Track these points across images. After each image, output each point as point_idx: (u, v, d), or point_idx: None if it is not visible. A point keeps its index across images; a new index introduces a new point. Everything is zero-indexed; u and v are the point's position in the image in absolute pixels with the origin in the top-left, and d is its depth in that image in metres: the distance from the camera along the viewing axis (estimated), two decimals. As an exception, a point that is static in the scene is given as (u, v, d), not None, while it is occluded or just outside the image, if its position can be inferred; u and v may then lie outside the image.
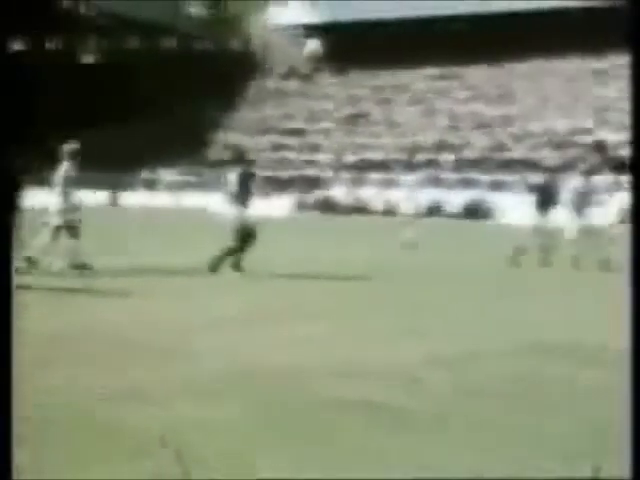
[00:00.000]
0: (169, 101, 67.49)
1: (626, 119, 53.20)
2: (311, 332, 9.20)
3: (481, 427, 5.85)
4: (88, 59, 72.01)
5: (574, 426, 5.92)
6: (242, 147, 46.18)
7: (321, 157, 60.71)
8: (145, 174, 60.19)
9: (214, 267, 14.24)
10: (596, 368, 7.91)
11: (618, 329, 9.15)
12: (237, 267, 14.34)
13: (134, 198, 54.34)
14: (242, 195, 14.55)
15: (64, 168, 14.23)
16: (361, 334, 9.40)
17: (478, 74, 67.16)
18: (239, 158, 16.58)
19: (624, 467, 4.46)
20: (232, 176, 14.59)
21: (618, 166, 48.39)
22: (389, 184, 51.88)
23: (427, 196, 41.89)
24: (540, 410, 6.34)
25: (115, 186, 55.39)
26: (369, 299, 12.56)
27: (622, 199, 38.12)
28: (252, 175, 15.42)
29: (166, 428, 5.35)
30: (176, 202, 53.12)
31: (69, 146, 14.39)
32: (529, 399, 6.65)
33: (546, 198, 18.16)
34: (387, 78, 69.82)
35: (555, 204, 18.15)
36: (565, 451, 5.32)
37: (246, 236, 14.49)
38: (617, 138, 52.79)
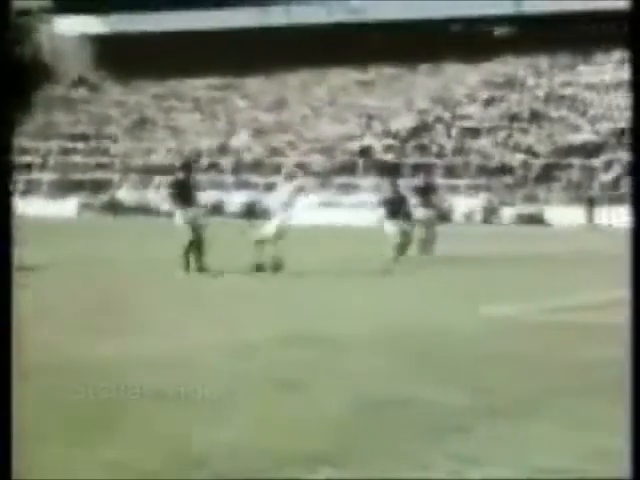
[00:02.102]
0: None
1: (388, 126, 58.56)
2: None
3: (267, 411, 6.40)
4: None
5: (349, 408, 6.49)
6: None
7: (108, 161, 62.82)
8: None
9: None
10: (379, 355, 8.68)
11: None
12: None
13: None
14: None
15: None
16: (149, 326, 10.24)
17: (255, 84, 70.86)
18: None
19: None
20: None
21: (383, 169, 52.80)
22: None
23: (209, 197, 44.88)
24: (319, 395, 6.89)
25: None
26: (152, 294, 13.47)
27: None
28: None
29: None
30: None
31: None
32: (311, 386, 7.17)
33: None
34: (171, 86, 72.80)
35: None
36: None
37: None
38: (381, 144, 57.29)
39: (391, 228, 18.89)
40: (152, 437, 5.77)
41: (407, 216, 19.42)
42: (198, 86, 72.41)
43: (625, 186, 45.90)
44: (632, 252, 5.46)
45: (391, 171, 50.08)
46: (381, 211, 19.18)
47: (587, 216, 41.54)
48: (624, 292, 14.64)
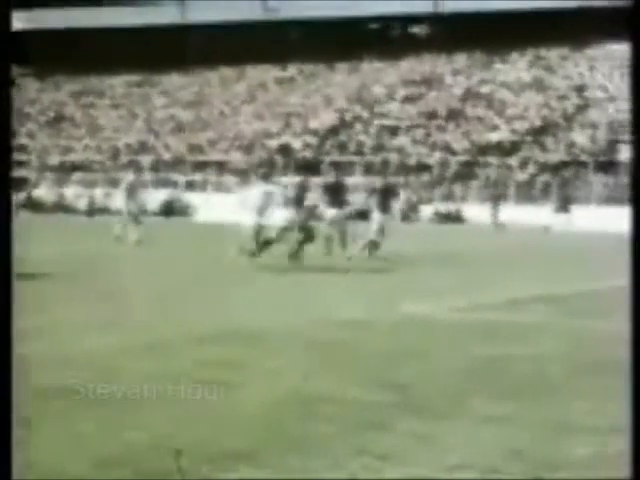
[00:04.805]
0: None
1: (307, 124, 58.77)
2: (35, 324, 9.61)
3: (187, 410, 6.47)
4: None
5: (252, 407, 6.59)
6: None
7: (25, 158, 61.98)
8: None
9: None
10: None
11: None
12: None
13: None
14: None
15: None
16: (64, 326, 10.15)
17: (174, 81, 70.56)
18: None
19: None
20: None
21: (302, 168, 53.05)
22: (93, 184, 54.84)
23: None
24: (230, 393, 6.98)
25: None
26: (73, 292, 13.38)
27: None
28: None
29: None
30: None
31: None
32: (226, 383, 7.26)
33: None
34: (89, 83, 71.99)
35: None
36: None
37: None
38: (300, 142, 57.48)
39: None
40: (70, 437, 5.79)
41: (311, 213, 19.56)
42: (116, 83, 71.78)
43: (539, 185, 46.77)
44: (632, 252, 5.46)
45: (310, 169, 50.50)
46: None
47: (493, 215, 42.02)
48: (535, 290, 15.02)
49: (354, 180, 47.60)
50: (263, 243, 18.71)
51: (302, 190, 20.13)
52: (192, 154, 58.65)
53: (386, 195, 21.74)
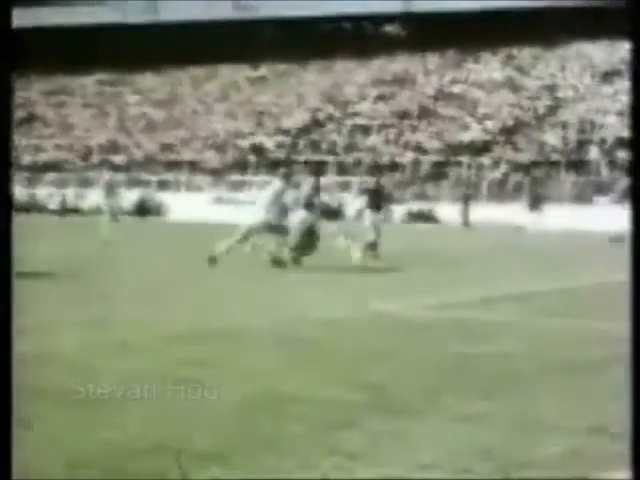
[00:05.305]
0: None
1: (280, 123, 58.75)
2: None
3: (157, 409, 6.46)
4: None
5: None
6: None
7: (-4, 158, 61.57)
8: None
9: None
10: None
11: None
12: None
13: None
14: None
15: None
16: (38, 326, 10.08)
17: (147, 80, 70.20)
18: None
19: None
20: None
21: (274, 167, 53.06)
22: (65, 184, 54.59)
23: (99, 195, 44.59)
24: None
25: None
26: (49, 292, 13.28)
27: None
28: None
29: None
30: None
31: None
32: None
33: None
34: (60, 82, 71.55)
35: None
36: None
37: None
38: (272, 142, 57.44)
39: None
40: (41, 436, 5.77)
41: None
42: (88, 82, 71.40)
43: (511, 184, 46.97)
44: (632, 252, 5.45)
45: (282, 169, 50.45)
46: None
47: (464, 214, 42.12)
48: (507, 289, 15.07)
49: (328, 180, 47.69)
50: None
51: (315, 191, 20.22)
52: (164, 153, 58.49)
53: (377, 195, 21.70)
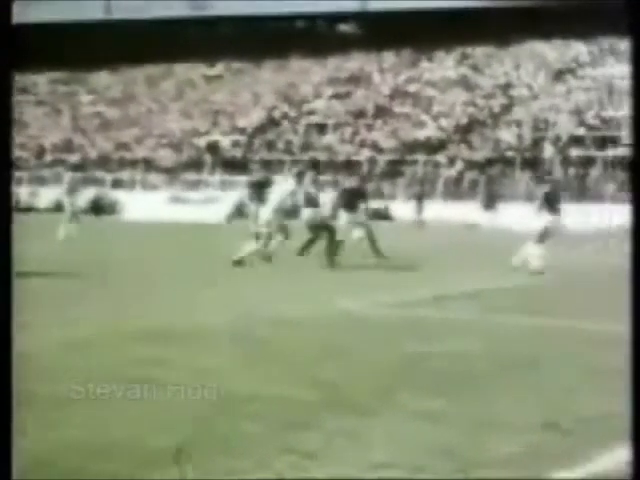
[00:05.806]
0: None
1: (236, 122, 58.64)
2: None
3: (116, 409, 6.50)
4: None
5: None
6: None
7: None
8: None
9: None
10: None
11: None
12: None
13: None
14: None
15: None
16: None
17: (101, 78, 69.88)
18: None
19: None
20: None
21: (229, 166, 53.01)
22: (18, 182, 54.00)
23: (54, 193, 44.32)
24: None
25: None
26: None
27: (234, 197, 41.94)
28: None
29: None
30: None
31: None
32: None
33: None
34: (12, 81, 70.90)
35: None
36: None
37: None
38: (228, 140, 57.32)
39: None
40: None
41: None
42: (41, 80, 70.86)
43: (466, 182, 47.22)
44: (632, 252, 5.46)
45: (238, 168, 50.45)
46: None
47: (417, 212, 42.20)
48: (461, 287, 15.16)
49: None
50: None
51: (318, 190, 20.44)
52: (119, 152, 58.17)
53: (354, 195, 21.56)
